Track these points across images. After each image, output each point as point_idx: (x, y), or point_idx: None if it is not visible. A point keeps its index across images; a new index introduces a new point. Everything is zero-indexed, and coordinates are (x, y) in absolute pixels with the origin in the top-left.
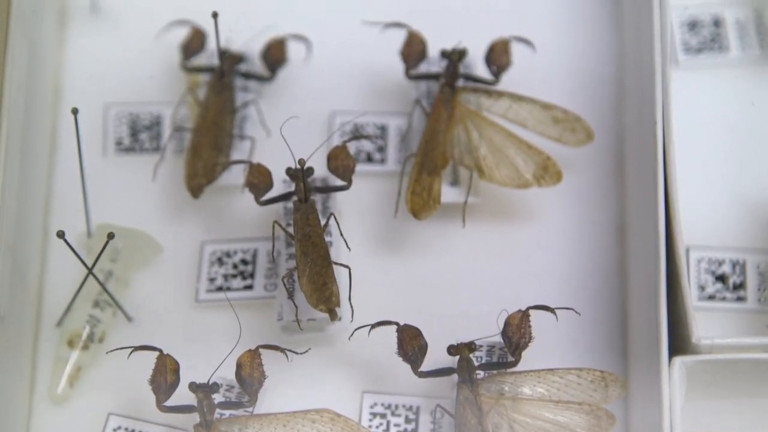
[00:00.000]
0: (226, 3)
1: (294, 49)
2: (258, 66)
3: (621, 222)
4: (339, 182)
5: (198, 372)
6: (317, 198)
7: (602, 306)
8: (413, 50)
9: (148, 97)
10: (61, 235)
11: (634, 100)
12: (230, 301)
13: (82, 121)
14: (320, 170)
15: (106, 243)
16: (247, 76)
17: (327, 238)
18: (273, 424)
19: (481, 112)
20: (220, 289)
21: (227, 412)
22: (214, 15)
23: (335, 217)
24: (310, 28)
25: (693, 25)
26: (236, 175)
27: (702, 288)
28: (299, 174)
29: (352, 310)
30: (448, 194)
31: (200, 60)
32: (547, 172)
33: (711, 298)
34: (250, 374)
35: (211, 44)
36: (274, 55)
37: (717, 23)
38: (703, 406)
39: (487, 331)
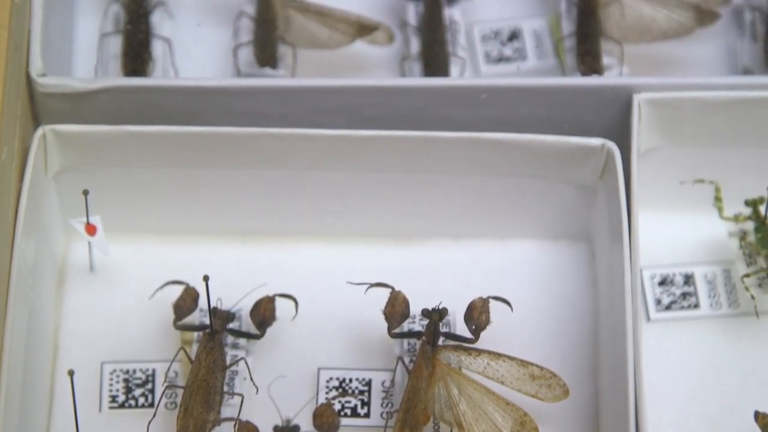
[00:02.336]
0: (218, 264)
1: (282, 307)
2: (248, 324)
3: None
4: None
5: None
6: None
7: None
8: (396, 310)
9: (143, 354)
10: None
11: (608, 356)
12: None
13: (78, 378)
14: (307, 426)
15: None
16: (237, 334)
17: None
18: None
19: (461, 370)
20: None
21: None
22: (205, 278)
23: None
24: (298, 288)
25: (664, 283)
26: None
27: None
28: None
29: None
30: None
31: (192, 318)
32: (524, 428)
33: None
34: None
35: (203, 303)
36: (263, 314)
37: (687, 281)
38: None
39: None
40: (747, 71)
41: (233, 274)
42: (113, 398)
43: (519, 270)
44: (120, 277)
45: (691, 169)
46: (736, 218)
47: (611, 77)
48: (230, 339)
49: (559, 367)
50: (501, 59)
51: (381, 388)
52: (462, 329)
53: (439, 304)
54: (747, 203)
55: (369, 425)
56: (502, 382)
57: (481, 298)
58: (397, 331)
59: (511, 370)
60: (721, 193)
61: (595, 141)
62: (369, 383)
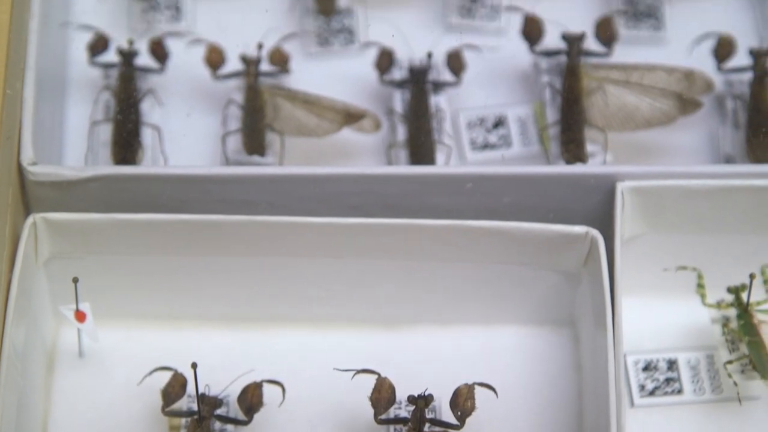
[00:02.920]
0: (206, 350)
1: (270, 393)
2: (235, 410)
3: None
4: None
5: None
6: None
7: None
8: (382, 396)
9: None
10: None
11: None
12: None
13: None
14: None
15: None
16: (225, 420)
17: None
18: None
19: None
20: None
21: None
22: (193, 366)
23: None
24: (285, 373)
25: (648, 368)
26: None
27: None
28: None
29: None
30: None
31: (180, 404)
32: None
33: None
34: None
35: (191, 389)
36: (251, 399)
37: (671, 366)
38: None
39: None
40: (729, 159)
41: (221, 360)
42: None
43: (504, 355)
44: (109, 363)
45: (675, 256)
46: (719, 305)
47: (595, 166)
48: (218, 425)
49: None
50: (486, 146)
51: None
52: (448, 415)
53: (425, 390)
54: (729, 290)
55: None
56: None
57: (466, 385)
58: (383, 417)
59: None
60: (703, 280)
61: (579, 229)
62: None
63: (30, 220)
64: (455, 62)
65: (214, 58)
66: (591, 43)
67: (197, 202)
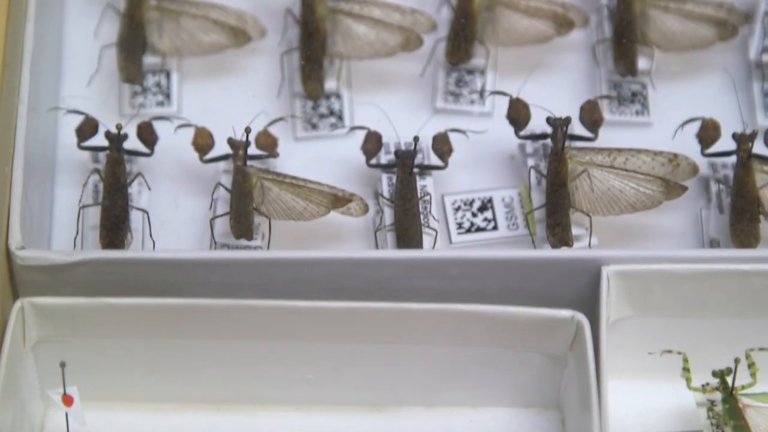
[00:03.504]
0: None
1: None
2: None
3: None
4: None
5: None
6: None
7: None
8: None
9: None
10: None
11: None
12: None
13: None
14: None
15: None
16: None
17: None
18: None
19: None
20: None
21: None
22: None
23: None
24: None
25: None
26: None
27: None
28: None
29: None
30: None
31: None
32: None
33: None
34: None
35: None
36: None
37: None
38: None
39: None
40: (713, 242)
41: None
42: None
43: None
44: None
45: (660, 339)
46: (704, 389)
47: (580, 250)
48: None
49: None
50: (472, 229)
51: None
52: None
53: None
54: (714, 374)
55: None
56: None
57: None
58: None
59: None
60: (688, 364)
61: (565, 313)
62: None
63: (18, 304)
64: (441, 146)
65: (202, 142)
66: (577, 127)
67: (185, 285)
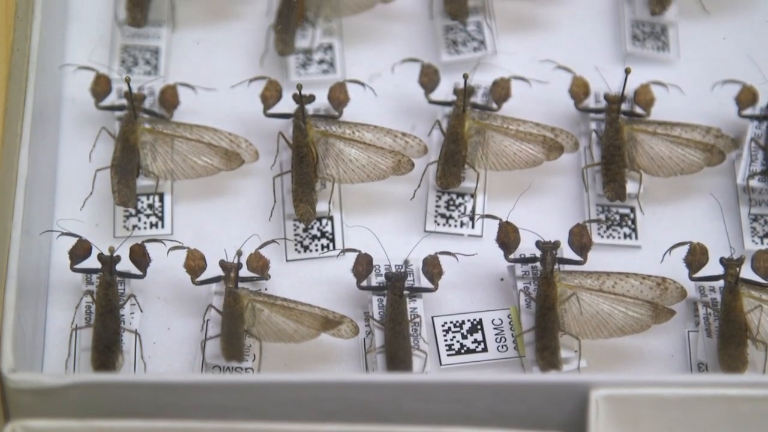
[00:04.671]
0: None
1: None
2: None
3: None
4: None
5: None
6: None
7: None
8: None
9: None
10: None
11: None
12: None
13: None
14: None
15: None
16: None
17: None
18: None
19: None
20: None
21: None
22: None
23: None
24: None
25: None
26: None
27: None
28: None
29: None
30: None
31: None
32: None
33: None
34: None
35: None
36: None
37: None
38: None
39: None
40: (701, 366)
41: None
42: None
43: None
44: None
45: None
46: None
47: (569, 373)
48: None
49: None
50: (462, 351)
51: None
52: None
53: None
54: None
55: None
56: None
57: None
58: None
59: None
60: None
61: None
62: None
63: (9, 428)
64: (431, 268)
65: (194, 264)
66: (566, 251)
67: (175, 407)
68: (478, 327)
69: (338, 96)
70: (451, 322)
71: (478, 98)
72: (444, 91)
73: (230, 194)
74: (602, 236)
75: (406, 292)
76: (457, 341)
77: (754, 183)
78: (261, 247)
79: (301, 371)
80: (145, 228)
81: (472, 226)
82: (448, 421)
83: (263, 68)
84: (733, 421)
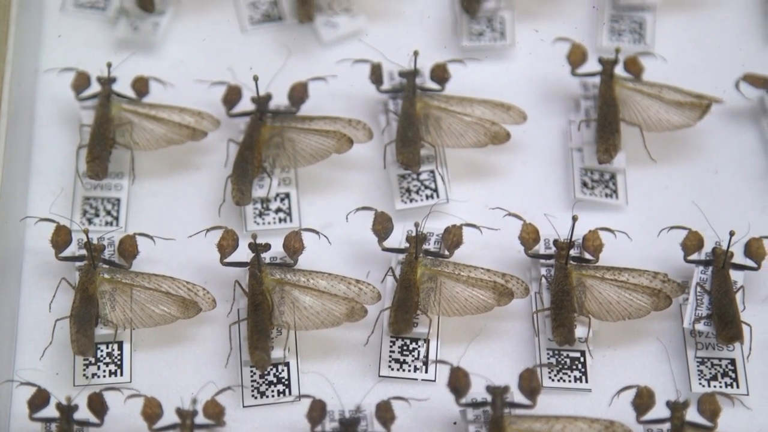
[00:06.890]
0: None
1: None
2: None
3: None
4: None
5: None
6: None
7: None
8: None
9: None
10: None
11: None
12: None
13: None
14: None
15: None
16: None
17: None
18: None
19: None
20: None
21: None
22: None
23: None
24: None
25: None
26: None
27: None
28: None
29: None
30: None
31: None
32: None
33: None
34: None
35: None
36: None
37: None
38: None
39: None
40: None
41: None
42: None
43: None
44: None
45: None
46: None
47: None
48: None
49: None
50: None
51: None
52: None
53: None
54: None
55: None
56: None
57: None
58: None
59: None
60: None
61: None
62: None
63: None
64: (384, 413)
65: (151, 412)
66: (516, 394)
67: None
68: None
69: (293, 245)
70: None
71: (430, 245)
72: (397, 238)
73: (188, 341)
74: (553, 380)
75: None
76: None
77: (700, 327)
78: (217, 394)
79: None
80: (104, 376)
81: (426, 371)
82: None
83: (221, 218)
84: None
